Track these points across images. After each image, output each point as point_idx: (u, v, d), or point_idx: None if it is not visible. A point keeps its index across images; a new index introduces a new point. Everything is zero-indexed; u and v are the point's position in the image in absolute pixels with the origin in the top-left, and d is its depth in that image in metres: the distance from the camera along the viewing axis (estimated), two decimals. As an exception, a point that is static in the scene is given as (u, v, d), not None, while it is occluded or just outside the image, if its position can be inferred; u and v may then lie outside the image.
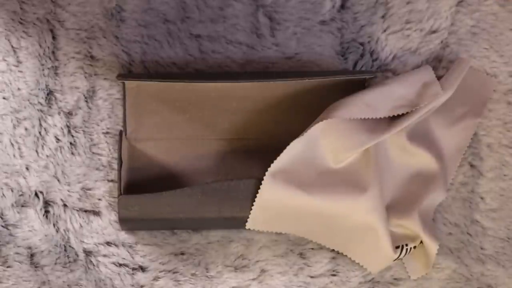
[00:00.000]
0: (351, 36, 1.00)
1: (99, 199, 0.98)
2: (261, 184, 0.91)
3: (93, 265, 0.97)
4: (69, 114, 0.98)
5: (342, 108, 0.91)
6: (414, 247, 0.96)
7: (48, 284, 0.97)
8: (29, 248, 0.97)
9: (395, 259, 0.95)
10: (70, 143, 0.98)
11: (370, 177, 0.92)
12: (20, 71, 0.98)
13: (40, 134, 0.98)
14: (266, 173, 0.91)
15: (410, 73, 0.97)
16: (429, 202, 0.97)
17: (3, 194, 0.97)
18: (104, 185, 0.98)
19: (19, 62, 0.98)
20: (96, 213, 0.98)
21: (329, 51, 1.00)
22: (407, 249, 0.95)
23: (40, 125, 0.98)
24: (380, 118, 0.93)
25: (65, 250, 0.97)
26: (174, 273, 0.98)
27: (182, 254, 0.98)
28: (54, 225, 0.97)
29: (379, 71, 1.00)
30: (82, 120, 0.98)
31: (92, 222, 0.97)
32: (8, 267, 0.97)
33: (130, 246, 0.98)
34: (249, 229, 0.94)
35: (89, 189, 0.98)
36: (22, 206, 0.97)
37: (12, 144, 0.97)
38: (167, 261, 0.98)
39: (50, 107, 0.98)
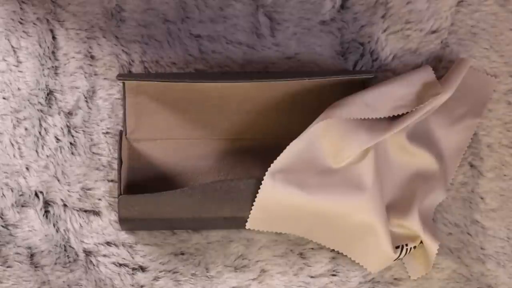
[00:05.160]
0: (351, 36, 1.00)
1: (99, 199, 0.98)
2: (261, 184, 0.91)
3: (93, 265, 0.97)
4: (69, 114, 0.98)
5: (342, 108, 0.91)
6: (414, 247, 0.96)
7: (48, 284, 0.97)
8: (29, 248, 0.97)
9: (395, 259, 0.95)
10: (70, 143, 0.98)
11: (370, 177, 0.92)
12: (20, 71, 0.98)
13: (40, 134, 0.98)
14: (266, 173, 0.91)
15: (410, 73, 0.97)
16: (429, 202, 0.97)
17: (3, 194, 0.97)
18: (104, 185, 0.98)
19: (19, 62, 0.98)
20: (96, 213, 0.98)
21: (329, 51, 1.00)
22: (407, 249, 0.95)
23: (40, 125, 0.98)
24: (380, 118, 0.93)
25: (65, 250, 0.97)
26: (174, 273, 0.98)
27: (182, 254, 0.98)
28: (54, 225, 0.97)
29: (379, 71, 1.00)
30: (82, 120, 0.98)
31: (92, 222, 0.97)
32: (8, 267, 0.97)
33: (130, 246, 0.98)
34: (249, 229, 0.94)
35: (89, 189, 0.98)
36: (22, 206, 0.97)
37: (12, 144, 0.97)
38: (167, 261, 0.98)
39: (50, 107, 0.98)
